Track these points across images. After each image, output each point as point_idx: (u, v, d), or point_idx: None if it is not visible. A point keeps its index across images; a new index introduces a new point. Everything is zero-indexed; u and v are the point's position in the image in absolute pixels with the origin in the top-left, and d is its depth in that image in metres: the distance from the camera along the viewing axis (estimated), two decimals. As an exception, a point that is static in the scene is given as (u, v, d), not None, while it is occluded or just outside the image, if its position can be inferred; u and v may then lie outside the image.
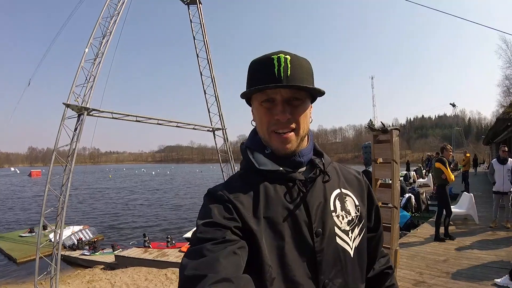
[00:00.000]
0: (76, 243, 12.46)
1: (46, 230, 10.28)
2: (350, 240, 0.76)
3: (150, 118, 10.84)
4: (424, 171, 17.25)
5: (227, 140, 9.98)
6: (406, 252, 4.91)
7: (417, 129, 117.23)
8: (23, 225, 16.74)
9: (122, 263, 9.74)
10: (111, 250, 11.54)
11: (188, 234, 10.85)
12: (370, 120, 3.11)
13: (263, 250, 0.66)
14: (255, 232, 0.67)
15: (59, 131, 8.32)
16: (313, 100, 0.79)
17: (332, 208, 0.76)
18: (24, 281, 8.25)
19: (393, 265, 0.94)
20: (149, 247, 11.02)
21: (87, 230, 14.14)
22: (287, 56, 0.71)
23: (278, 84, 0.68)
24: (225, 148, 10.01)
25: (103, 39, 9.49)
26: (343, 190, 0.80)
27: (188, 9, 11.36)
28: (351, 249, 0.75)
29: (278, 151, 0.74)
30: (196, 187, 36.42)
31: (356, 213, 0.79)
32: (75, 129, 9.66)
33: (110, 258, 10.36)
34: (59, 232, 6.58)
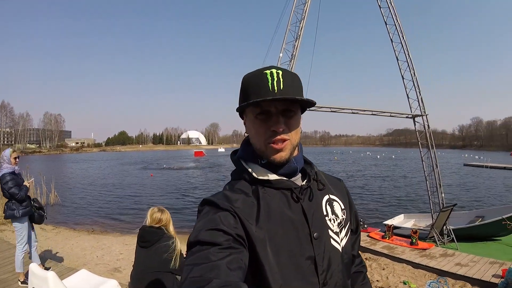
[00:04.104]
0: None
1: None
2: (340, 240, 0.81)
3: (360, 110, 10.19)
4: None
5: (428, 127, 9.25)
6: None
7: None
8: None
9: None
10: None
11: (388, 221, 9.49)
12: None
13: (268, 257, 0.69)
14: (259, 240, 0.69)
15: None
16: (303, 111, 0.83)
17: (325, 213, 0.81)
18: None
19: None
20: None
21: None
22: (279, 71, 0.74)
23: (275, 97, 0.70)
24: (426, 135, 9.25)
25: (295, 42, 9.06)
26: (331, 196, 0.85)
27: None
28: (341, 248, 0.80)
29: (273, 160, 0.76)
30: (413, 178, 26.06)
31: (342, 216, 0.84)
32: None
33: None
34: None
